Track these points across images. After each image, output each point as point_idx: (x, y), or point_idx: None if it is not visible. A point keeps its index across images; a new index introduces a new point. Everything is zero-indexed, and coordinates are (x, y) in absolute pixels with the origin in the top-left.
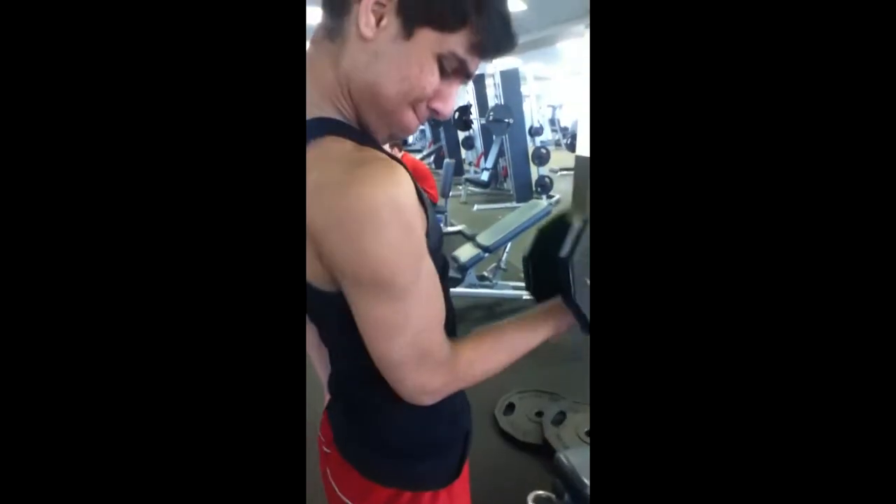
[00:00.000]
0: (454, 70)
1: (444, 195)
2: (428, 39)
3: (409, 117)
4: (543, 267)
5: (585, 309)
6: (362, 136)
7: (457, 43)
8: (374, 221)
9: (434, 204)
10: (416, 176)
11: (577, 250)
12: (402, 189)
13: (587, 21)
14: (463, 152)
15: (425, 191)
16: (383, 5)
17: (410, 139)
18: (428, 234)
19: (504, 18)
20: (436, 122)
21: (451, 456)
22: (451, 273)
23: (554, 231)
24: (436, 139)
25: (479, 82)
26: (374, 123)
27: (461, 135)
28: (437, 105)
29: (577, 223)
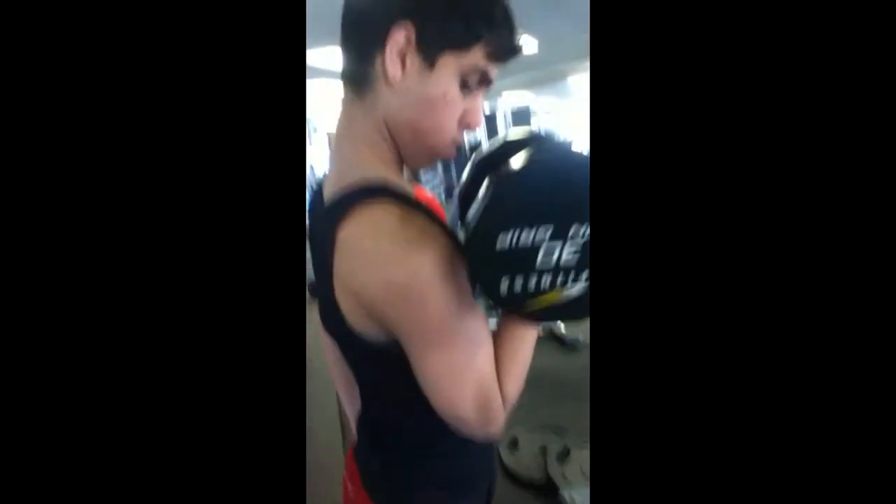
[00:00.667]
0: (477, 82)
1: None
2: (449, 63)
3: (450, 142)
4: None
5: (492, 291)
6: (408, 197)
7: (475, 57)
8: (430, 292)
9: None
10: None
11: (481, 222)
12: (447, 254)
13: None
14: None
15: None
16: (404, 48)
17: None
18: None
19: (511, 23)
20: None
21: (479, 500)
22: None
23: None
24: (447, 174)
25: (491, 120)
26: (418, 157)
27: None
28: (470, 119)
29: (483, 188)
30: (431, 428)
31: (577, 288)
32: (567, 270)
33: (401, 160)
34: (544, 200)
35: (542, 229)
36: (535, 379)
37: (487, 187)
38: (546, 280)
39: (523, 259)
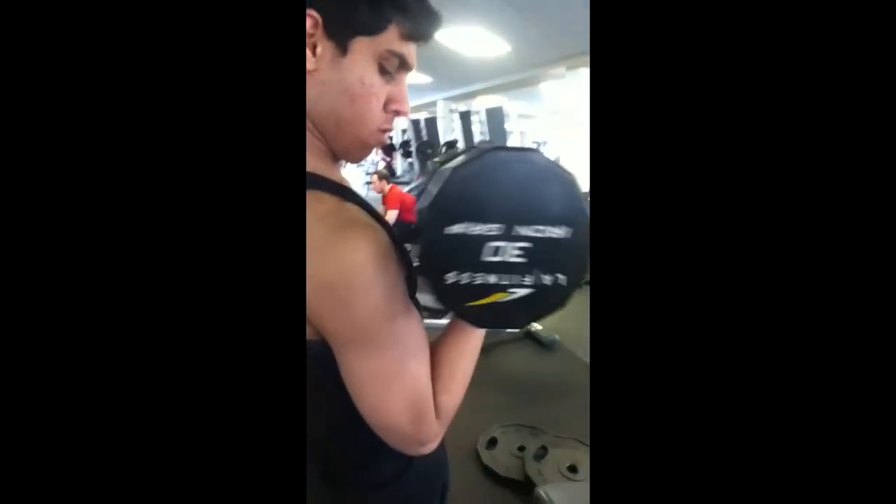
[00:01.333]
0: (397, 67)
1: None
2: (362, 47)
3: (376, 131)
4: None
5: (437, 281)
6: (342, 189)
7: (389, 41)
8: (360, 282)
9: None
10: (405, 208)
11: (429, 212)
12: (381, 250)
13: (568, 63)
14: None
15: (413, 222)
16: (312, 34)
17: (399, 171)
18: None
19: (423, 1)
20: (424, 156)
21: None
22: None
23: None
24: (423, 173)
25: (466, 119)
26: (346, 147)
27: None
28: (396, 106)
29: (432, 179)
30: (365, 450)
31: (521, 293)
32: (511, 272)
33: (332, 151)
34: (490, 198)
35: (487, 226)
36: (512, 379)
37: (437, 179)
38: (491, 278)
39: (469, 253)
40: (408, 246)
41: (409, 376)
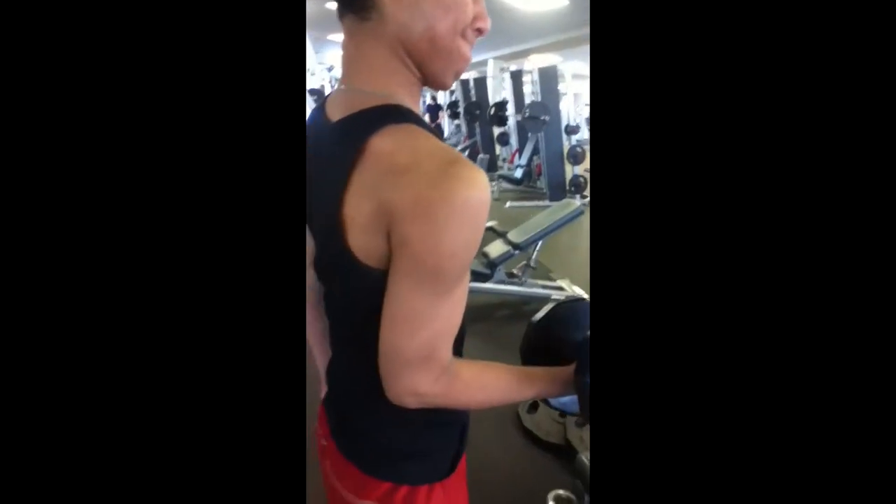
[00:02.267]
0: None
1: None
2: None
3: (465, 46)
4: (550, 341)
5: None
6: (434, 131)
7: None
8: (461, 217)
9: None
10: None
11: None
12: (488, 196)
13: None
14: (497, 148)
15: None
16: None
17: (446, 133)
18: None
19: None
20: (472, 117)
21: (449, 452)
22: (481, 269)
23: (574, 311)
24: (471, 134)
25: (517, 79)
26: (440, 69)
27: (496, 131)
28: (480, 23)
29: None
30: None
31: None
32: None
33: (419, 87)
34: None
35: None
36: None
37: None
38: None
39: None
40: None
41: (440, 320)
